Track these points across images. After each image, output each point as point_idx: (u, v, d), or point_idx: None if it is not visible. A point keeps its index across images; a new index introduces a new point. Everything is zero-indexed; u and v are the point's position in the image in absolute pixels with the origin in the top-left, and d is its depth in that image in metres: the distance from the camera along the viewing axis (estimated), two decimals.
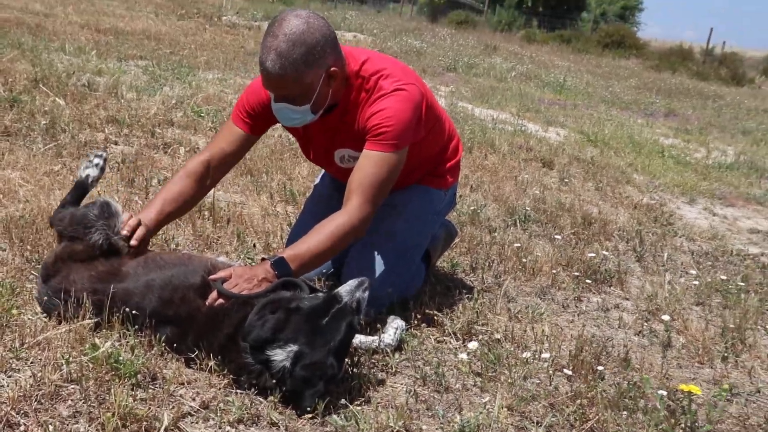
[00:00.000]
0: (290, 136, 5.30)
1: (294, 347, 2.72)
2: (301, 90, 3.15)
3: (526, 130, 10.13)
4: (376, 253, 3.60)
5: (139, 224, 3.20)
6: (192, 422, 2.57)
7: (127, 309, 2.90)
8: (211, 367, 2.81)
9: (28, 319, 3.02)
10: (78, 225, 3.16)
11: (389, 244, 3.62)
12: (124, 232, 3.15)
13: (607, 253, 5.12)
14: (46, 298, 3.04)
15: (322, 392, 2.70)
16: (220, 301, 2.89)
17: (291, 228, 4.13)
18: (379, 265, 3.58)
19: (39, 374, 2.59)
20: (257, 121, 3.52)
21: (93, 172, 3.43)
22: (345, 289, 2.91)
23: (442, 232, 4.18)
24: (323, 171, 4.13)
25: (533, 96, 14.98)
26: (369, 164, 3.26)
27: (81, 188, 3.43)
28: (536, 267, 4.57)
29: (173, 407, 2.57)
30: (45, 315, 3.04)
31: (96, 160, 3.45)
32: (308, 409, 2.67)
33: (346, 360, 2.94)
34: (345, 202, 3.26)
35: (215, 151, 3.52)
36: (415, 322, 3.50)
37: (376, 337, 3.26)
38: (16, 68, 7.94)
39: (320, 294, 2.94)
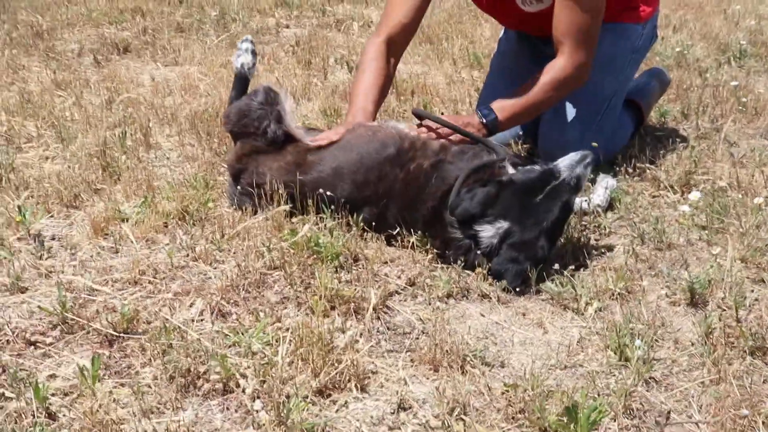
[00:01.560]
0: None
1: (504, 224, 2.67)
2: None
3: None
4: (571, 106, 3.46)
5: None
6: (400, 300, 2.60)
7: (321, 191, 2.94)
8: (413, 243, 2.82)
9: (225, 211, 3.13)
10: (246, 118, 3.18)
11: (585, 95, 3.44)
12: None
13: None
14: (236, 196, 3.15)
15: (526, 272, 2.65)
16: (429, 134, 3.01)
17: (480, 92, 4.04)
18: (578, 119, 3.44)
19: (243, 264, 2.69)
20: None
21: (246, 59, 3.46)
22: (564, 164, 2.79)
23: (654, 82, 3.96)
24: (504, 27, 3.99)
25: None
26: (570, 10, 3.14)
27: (241, 79, 3.46)
28: (759, 106, 4.27)
29: (379, 286, 2.61)
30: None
31: (244, 45, 3.48)
32: (513, 287, 2.65)
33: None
34: (557, 53, 3.21)
35: (392, 25, 3.44)
36: (626, 177, 3.36)
37: (585, 198, 3.15)
38: None
39: (536, 167, 2.83)
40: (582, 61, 3.18)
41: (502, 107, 3.10)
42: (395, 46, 3.44)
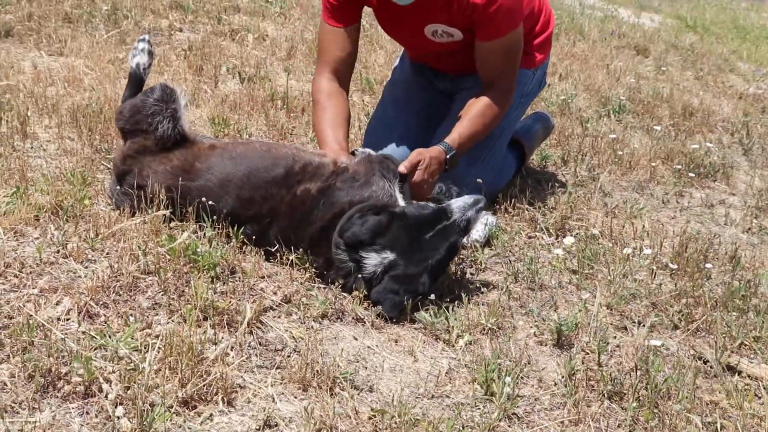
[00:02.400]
0: (366, 21, 5.16)
1: (390, 255, 2.68)
2: None
3: (618, 16, 9.81)
4: None
5: None
6: (274, 316, 2.58)
7: (204, 200, 2.89)
8: (292, 261, 2.81)
9: (101, 210, 3.05)
10: (139, 114, 3.11)
11: None
12: None
13: (710, 145, 4.96)
14: (116, 195, 3.07)
15: (403, 304, 2.67)
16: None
17: (370, 117, 4.07)
18: (465, 155, 3.50)
19: (116, 265, 2.62)
20: (346, 9, 3.42)
21: (142, 59, 3.38)
22: (457, 205, 2.83)
23: (538, 126, 4.07)
24: (401, 56, 4.04)
25: None
26: (493, 55, 3.31)
27: (135, 79, 3.37)
28: (633, 160, 4.45)
29: (254, 301, 2.59)
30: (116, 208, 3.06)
31: (141, 45, 3.39)
32: (390, 317, 2.67)
33: None
34: (485, 87, 3.37)
35: (331, 60, 3.44)
36: (506, 216, 3.44)
37: None
38: None
39: (430, 204, 2.86)
40: (509, 97, 3.37)
41: (455, 141, 3.21)
42: (341, 80, 3.46)
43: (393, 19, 3.50)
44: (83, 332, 2.27)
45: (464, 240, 3.15)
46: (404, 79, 3.92)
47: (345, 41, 3.44)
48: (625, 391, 2.39)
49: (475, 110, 3.30)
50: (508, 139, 3.74)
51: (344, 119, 3.34)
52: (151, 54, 3.42)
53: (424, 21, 3.36)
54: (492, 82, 3.35)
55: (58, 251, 2.69)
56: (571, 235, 3.35)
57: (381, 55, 5.92)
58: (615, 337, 2.70)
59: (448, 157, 3.17)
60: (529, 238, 3.41)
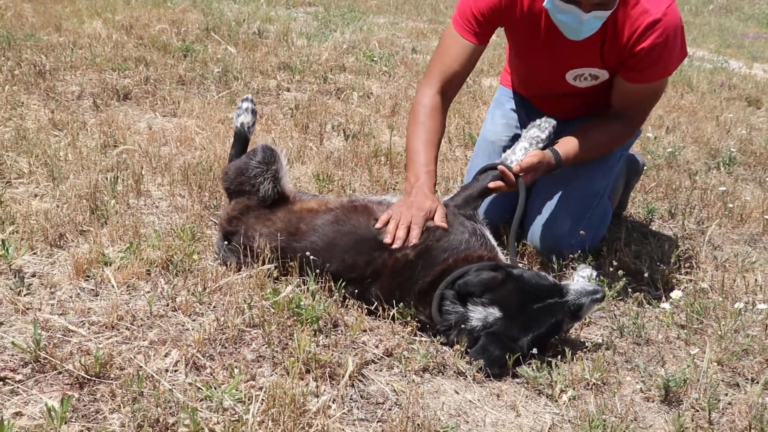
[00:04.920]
0: (469, 77, 5.15)
1: (495, 313, 2.66)
2: None
3: (728, 67, 9.61)
4: (563, 202, 3.50)
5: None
6: (376, 369, 2.59)
7: (309, 254, 2.94)
8: (393, 315, 2.82)
9: (209, 264, 3.14)
10: (243, 176, 3.23)
11: (577, 192, 3.50)
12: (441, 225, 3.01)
13: None
14: (223, 251, 3.17)
15: (503, 359, 2.62)
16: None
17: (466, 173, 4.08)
18: (569, 215, 3.47)
19: (222, 318, 2.69)
20: (487, 28, 3.35)
21: (246, 118, 3.53)
22: (575, 288, 2.79)
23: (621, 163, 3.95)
24: (494, 114, 3.99)
25: (735, 30, 14.19)
26: (640, 97, 3.35)
27: (240, 138, 3.53)
28: (745, 213, 4.32)
29: (356, 354, 2.61)
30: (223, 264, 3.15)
31: (245, 105, 3.55)
32: (493, 373, 2.64)
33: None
34: (616, 115, 3.41)
35: (446, 72, 3.37)
36: (610, 269, 3.39)
37: None
38: (188, 18, 8.28)
39: (549, 277, 2.83)
40: (633, 131, 3.48)
41: (567, 158, 3.26)
42: (447, 98, 3.40)
43: (535, 51, 3.45)
44: (190, 383, 2.33)
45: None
46: (496, 142, 3.85)
47: (468, 58, 3.37)
48: None
49: (597, 138, 3.35)
50: (609, 188, 3.67)
51: (438, 140, 3.31)
52: (254, 113, 3.55)
53: (570, 64, 3.38)
54: (623, 115, 3.36)
55: (168, 304, 2.78)
56: (679, 289, 3.26)
57: (484, 110, 5.93)
58: (726, 395, 2.61)
59: (554, 172, 3.25)
60: (635, 292, 3.33)
